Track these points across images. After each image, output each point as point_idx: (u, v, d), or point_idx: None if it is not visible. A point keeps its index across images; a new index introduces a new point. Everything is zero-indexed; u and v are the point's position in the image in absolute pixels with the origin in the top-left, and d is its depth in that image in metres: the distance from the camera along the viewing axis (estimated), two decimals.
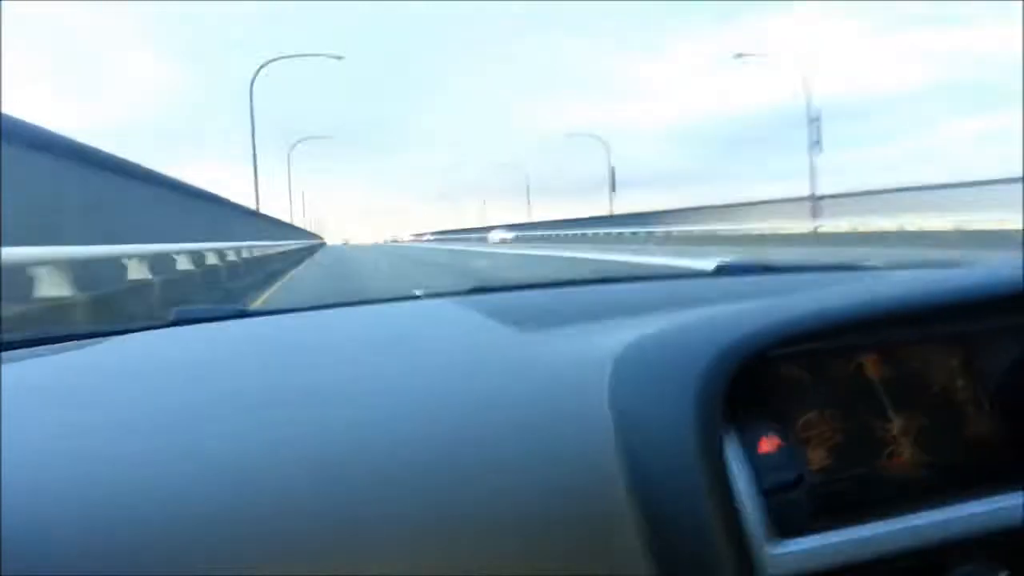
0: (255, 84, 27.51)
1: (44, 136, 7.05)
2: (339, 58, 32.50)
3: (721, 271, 1.36)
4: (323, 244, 62.96)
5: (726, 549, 0.56)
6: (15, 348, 0.98)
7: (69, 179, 7.70)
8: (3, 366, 0.84)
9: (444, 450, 0.61)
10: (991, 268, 0.74)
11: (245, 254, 17.14)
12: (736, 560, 0.56)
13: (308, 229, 60.56)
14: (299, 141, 49.68)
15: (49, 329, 1.28)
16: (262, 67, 28.57)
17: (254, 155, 27.06)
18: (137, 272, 8.89)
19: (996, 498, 0.66)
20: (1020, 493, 0.67)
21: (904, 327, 0.75)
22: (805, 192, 24.45)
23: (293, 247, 28.67)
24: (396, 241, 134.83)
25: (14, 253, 5.35)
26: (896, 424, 0.73)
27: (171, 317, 1.11)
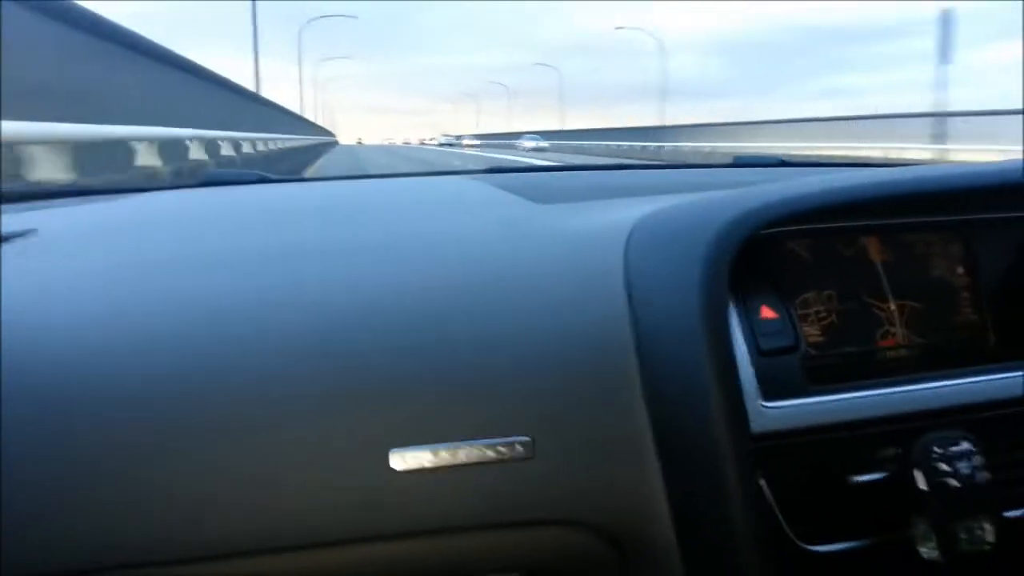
0: None
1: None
2: None
3: (739, 163, 1.39)
4: (335, 143, 57.22)
5: (718, 403, 0.60)
6: (58, 197, 1.03)
7: (79, 52, 7.38)
8: (49, 211, 0.89)
9: (474, 303, 0.65)
10: (996, 163, 0.75)
11: (260, 147, 16.90)
12: (728, 413, 0.61)
13: (321, 125, 58.61)
14: (311, 20, 46.49)
15: (89, 182, 1.42)
16: None
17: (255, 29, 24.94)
18: (146, 159, 8.54)
19: (969, 376, 0.71)
20: (991, 373, 0.72)
21: (907, 212, 0.77)
22: (857, 111, 23.35)
23: (305, 143, 28.09)
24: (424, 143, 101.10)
25: (15, 128, 5.21)
26: (892, 306, 0.76)
27: (200, 179, 1.16)
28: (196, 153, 10.09)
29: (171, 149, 9.16)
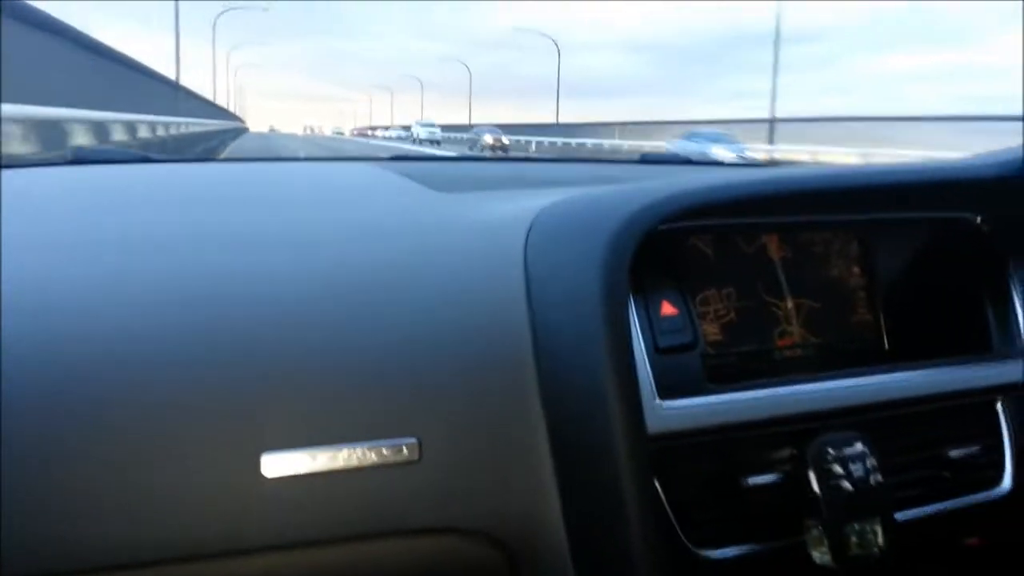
0: None
1: None
2: None
3: (645, 160, 1.38)
4: (244, 130, 48.61)
5: (616, 402, 0.58)
6: None
7: None
8: None
9: (361, 293, 0.62)
10: (891, 165, 0.75)
11: (160, 132, 15.68)
12: (625, 411, 0.58)
13: (229, 110, 54.31)
14: (225, 11, 42.25)
15: None
16: None
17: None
18: (20, 144, 7.54)
19: (862, 376, 0.71)
20: (884, 373, 0.72)
21: (806, 211, 0.78)
22: (758, 114, 23.59)
23: (211, 129, 26.54)
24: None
25: None
26: (790, 304, 0.78)
27: (69, 155, 1.04)
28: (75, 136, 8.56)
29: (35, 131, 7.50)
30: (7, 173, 0.95)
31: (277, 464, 0.54)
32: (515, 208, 0.73)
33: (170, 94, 20.28)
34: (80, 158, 1.04)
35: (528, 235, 0.68)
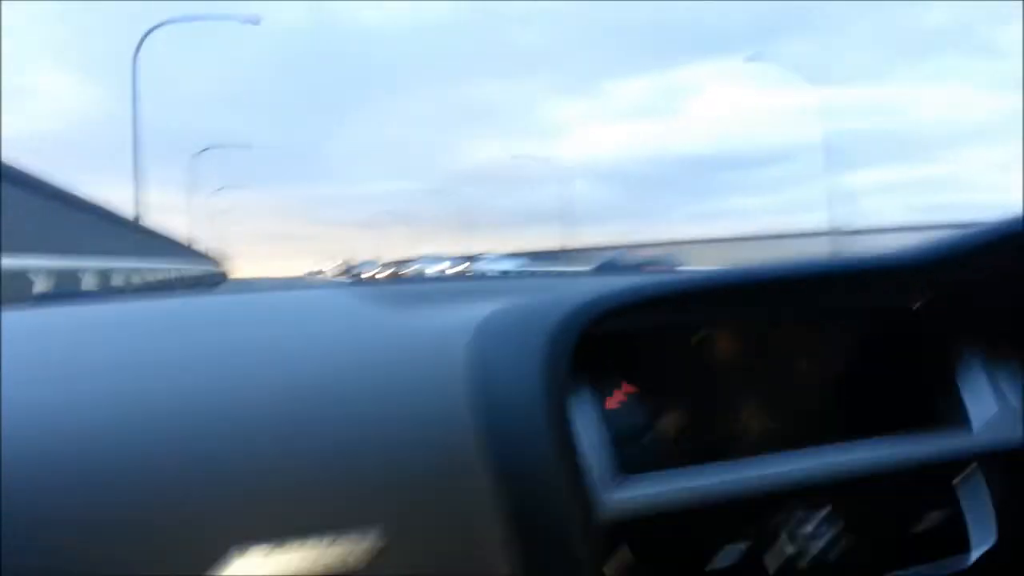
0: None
1: None
2: (256, 22, 23.06)
3: (601, 270, 1.60)
4: (221, 278, 37.80)
5: (568, 490, 0.60)
6: None
7: None
8: None
9: (309, 409, 0.63)
10: (846, 254, 0.80)
11: (117, 280, 15.24)
12: (576, 500, 0.60)
13: (205, 253, 42.35)
14: (205, 149, 38.44)
15: None
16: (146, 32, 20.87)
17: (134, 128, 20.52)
18: None
19: (819, 455, 0.74)
20: (840, 452, 0.74)
21: (754, 303, 0.82)
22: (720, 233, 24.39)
23: (187, 275, 25.33)
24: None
25: None
26: (743, 391, 0.81)
27: (31, 301, 1.12)
28: None
29: None
30: None
31: (237, 566, 0.54)
32: (460, 316, 0.76)
33: (138, 237, 19.88)
34: (45, 298, 1.05)
35: (474, 337, 0.70)
